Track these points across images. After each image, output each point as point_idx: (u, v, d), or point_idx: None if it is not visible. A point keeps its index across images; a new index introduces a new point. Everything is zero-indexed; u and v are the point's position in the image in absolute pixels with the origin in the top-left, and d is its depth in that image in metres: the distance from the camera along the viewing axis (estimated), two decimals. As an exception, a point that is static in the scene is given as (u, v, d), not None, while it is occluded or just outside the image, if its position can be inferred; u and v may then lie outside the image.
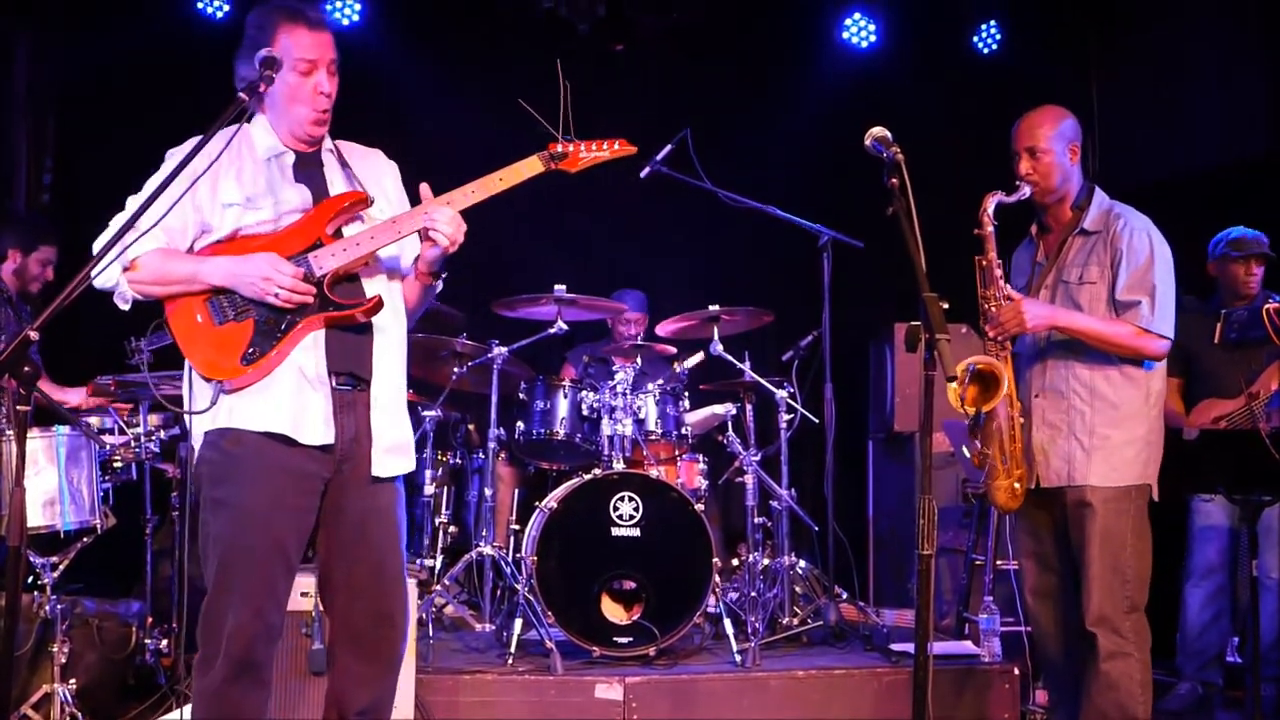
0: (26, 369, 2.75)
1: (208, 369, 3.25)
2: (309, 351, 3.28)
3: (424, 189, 3.39)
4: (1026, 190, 4.12)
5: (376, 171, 3.56)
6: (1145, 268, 4.04)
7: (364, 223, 3.41)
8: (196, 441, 3.34)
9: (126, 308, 3.35)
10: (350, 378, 3.34)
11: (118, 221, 3.28)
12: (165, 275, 3.27)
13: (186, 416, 3.34)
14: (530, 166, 3.40)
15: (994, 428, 4.03)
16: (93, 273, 2.96)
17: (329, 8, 7.55)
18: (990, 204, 4.07)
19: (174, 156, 3.33)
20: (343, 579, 3.37)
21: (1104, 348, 4.06)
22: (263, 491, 3.23)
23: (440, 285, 3.57)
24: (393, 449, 3.40)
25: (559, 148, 3.41)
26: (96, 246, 3.23)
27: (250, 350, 3.24)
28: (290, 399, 3.25)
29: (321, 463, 3.30)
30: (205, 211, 3.32)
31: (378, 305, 3.32)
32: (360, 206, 3.40)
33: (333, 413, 3.28)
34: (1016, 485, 4.06)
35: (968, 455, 5.61)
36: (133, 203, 3.29)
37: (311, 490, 3.30)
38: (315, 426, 3.26)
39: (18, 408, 2.82)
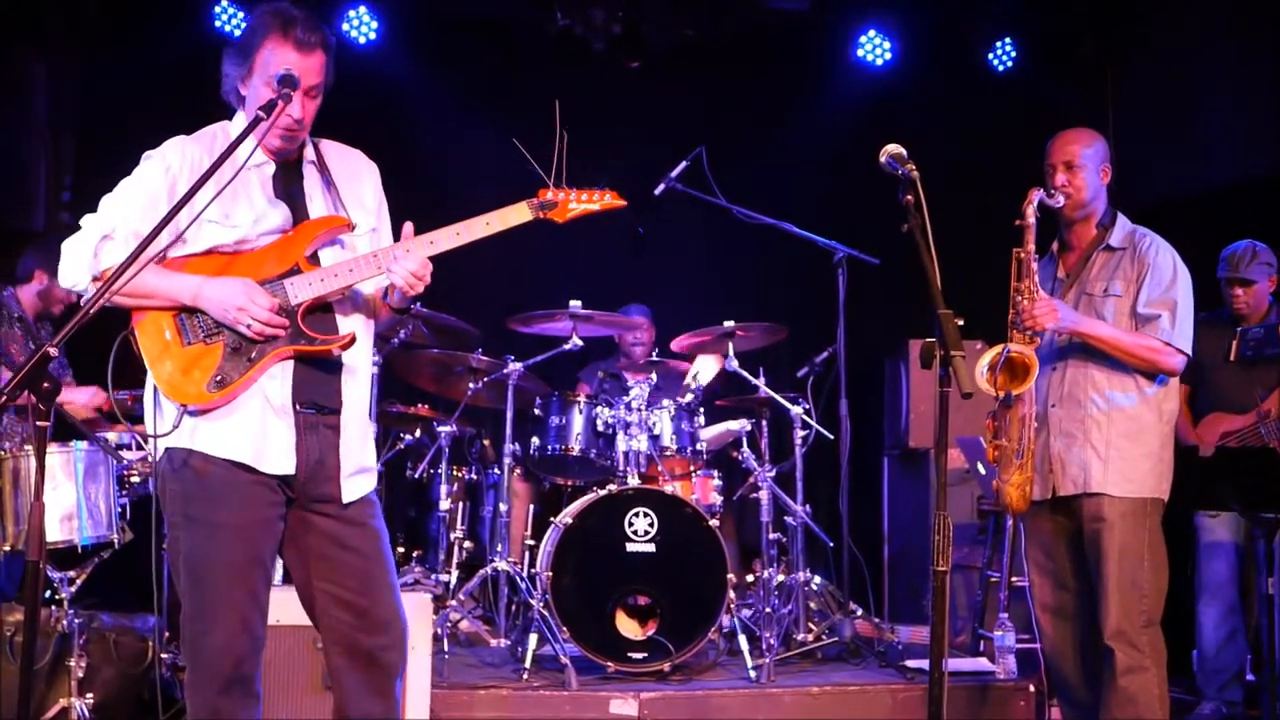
0: (45, 385, 2.76)
1: (172, 391, 3.18)
2: (276, 380, 3.22)
3: (407, 227, 3.30)
4: (1061, 200, 4.18)
5: (356, 178, 3.48)
6: (1169, 284, 4.14)
7: (342, 247, 3.36)
8: (157, 454, 3.25)
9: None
10: (316, 406, 3.28)
11: (88, 221, 3.23)
12: (135, 288, 3.11)
13: (149, 432, 3.25)
14: (518, 214, 3.36)
15: (1015, 417, 4.06)
16: (114, 287, 2.93)
17: (345, 27, 7.58)
18: (1035, 196, 4.14)
19: (157, 155, 3.29)
20: (327, 591, 3.29)
21: (1124, 358, 4.11)
22: (235, 505, 3.17)
23: (406, 317, 3.54)
24: (357, 473, 3.34)
25: (549, 195, 3.37)
26: (66, 246, 3.20)
27: (217, 377, 3.17)
28: (254, 427, 3.19)
29: (287, 481, 3.25)
30: (181, 221, 3.15)
31: (351, 342, 3.28)
32: (341, 231, 3.36)
33: (296, 441, 3.22)
34: (1027, 487, 4.09)
35: (982, 471, 5.63)
36: (105, 203, 3.25)
37: (279, 502, 3.24)
38: (277, 456, 3.20)
39: (37, 424, 2.83)
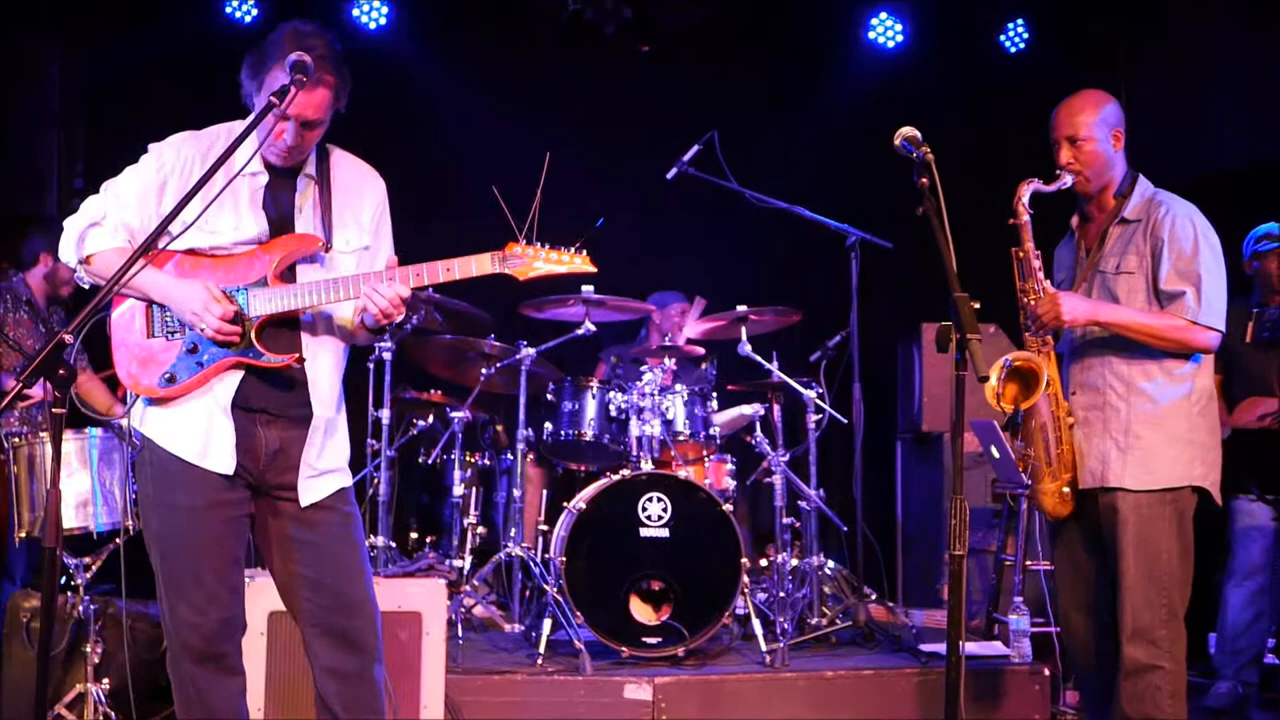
0: (61, 372, 2.77)
1: (128, 380, 3.32)
2: (225, 382, 3.29)
3: (390, 259, 3.31)
4: (1068, 180, 3.90)
5: (358, 195, 3.48)
6: (1190, 257, 3.81)
7: (321, 264, 3.38)
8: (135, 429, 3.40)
9: (86, 287, 3.42)
10: (267, 411, 3.33)
11: (86, 204, 3.33)
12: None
13: (125, 411, 3.40)
14: (480, 264, 3.31)
15: (1035, 426, 3.89)
16: (126, 275, 2.95)
17: (355, 12, 7.58)
18: (1024, 192, 3.87)
19: (156, 150, 3.36)
20: (300, 574, 3.36)
21: (1150, 341, 3.83)
22: (190, 489, 3.26)
23: (380, 337, 3.51)
24: (316, 476, 3.37)
25: (517, 249, 3.32)
26: (66, 224, 3.33)
27: (168, 375, 3.28)
28: (199, 425, 3.28)
29: (246, 470, 3.31)
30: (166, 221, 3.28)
31: (297, 362, 3.31)
32: (314, 250, 3.37)
33: (237, 441, 3.27)
34: (1065, 490, 3.91)
35: (996, 455, 5.61)
36: (104, 188, 3.35)
37: (236, 487, 3.31)
38: (220, 455, 3.27)
39: (53, 410, 2.83)
